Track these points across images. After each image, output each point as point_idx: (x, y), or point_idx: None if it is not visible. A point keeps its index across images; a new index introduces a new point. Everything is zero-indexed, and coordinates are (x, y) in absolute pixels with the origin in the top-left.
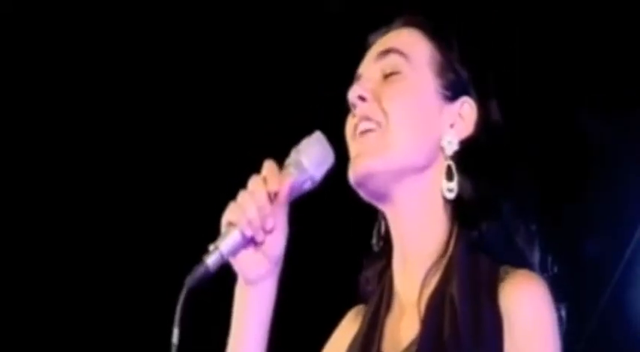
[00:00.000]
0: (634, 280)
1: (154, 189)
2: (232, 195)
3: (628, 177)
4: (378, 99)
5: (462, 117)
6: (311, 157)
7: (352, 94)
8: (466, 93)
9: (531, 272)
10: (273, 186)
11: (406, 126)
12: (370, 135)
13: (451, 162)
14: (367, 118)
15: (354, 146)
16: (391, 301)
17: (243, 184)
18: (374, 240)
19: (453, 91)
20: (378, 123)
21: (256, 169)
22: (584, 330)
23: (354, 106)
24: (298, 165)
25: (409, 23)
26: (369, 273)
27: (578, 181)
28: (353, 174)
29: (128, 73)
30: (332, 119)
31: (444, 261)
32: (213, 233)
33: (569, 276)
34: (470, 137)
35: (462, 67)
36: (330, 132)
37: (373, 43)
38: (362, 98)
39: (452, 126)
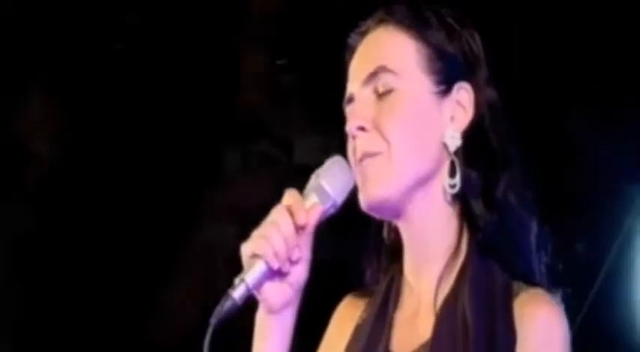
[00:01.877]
0: (620, 275)
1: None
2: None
3: (615, 179)
4: (377, 127)
5: (460, 105)
6: (334, 183)
7: (351, 126)
8: (460, 76)
9: (546, 294)
10: (300, 220)
11: (410, 147)
12: (374, 160)
13: (454, 158)
14: (370, 153)
15: (359, 171)
16: (400, 297)
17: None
18: (385, 234)
19: (447, 82)
20: (381, 152)
21: None
22: (574, 321)
23: (354, 137)
24: (321, 193)
25: (387, 20)
26: (375, 262)
27: (568, 184)
28: (364, 204)
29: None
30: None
31: (458, 262)
32: None
33: (562, 272)
34: (471, 124)
35: (449, 44)
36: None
37: (354, 46)
38: (361, 129)
39: (452, 118)
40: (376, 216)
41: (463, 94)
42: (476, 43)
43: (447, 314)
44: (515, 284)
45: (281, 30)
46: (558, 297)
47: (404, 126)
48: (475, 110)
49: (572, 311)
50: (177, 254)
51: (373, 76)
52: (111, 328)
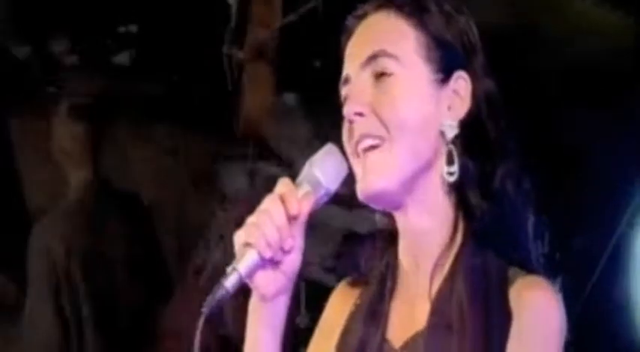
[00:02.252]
0: (617, 275)
1: None
2: None
3: (611, 177)
4: (374, 112)
5: (457, 94)
6: (326, 172)
7: (348, 111)
8: (458, 65)
9: (544, 280)
10: (293, 209)
11: (409, 135)
12: (375, 152)
13: (451, 146)
14: (368, 135)
15: (357, 163)
16: (396, 284)
17: None
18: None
19: (445, 71)
20: (381, 139)
21: None
22: (571, 314)
23: (351, 122)
24: (314, 182)
25: (386, 6)
26: (370, 249)
27: (566, 180)
28: (362, 194)
29: None
30: None
31: (453, 251)
32: None
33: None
34: (468, 114)
35: (448, 32)
36: None
37: (351, 29)
38: (359, 114)
39: (449, 108)
40: (374, 206)
41: (461, 84)
42: (473, 32)
43: (442, 302)
44: (511, 271)
45: (284, 48)
46: (556, 286)
47: (403, 112)
48: (472, 100)
49: (569, 310)
50: (181, 274)
51: (372, 58)
52: None
